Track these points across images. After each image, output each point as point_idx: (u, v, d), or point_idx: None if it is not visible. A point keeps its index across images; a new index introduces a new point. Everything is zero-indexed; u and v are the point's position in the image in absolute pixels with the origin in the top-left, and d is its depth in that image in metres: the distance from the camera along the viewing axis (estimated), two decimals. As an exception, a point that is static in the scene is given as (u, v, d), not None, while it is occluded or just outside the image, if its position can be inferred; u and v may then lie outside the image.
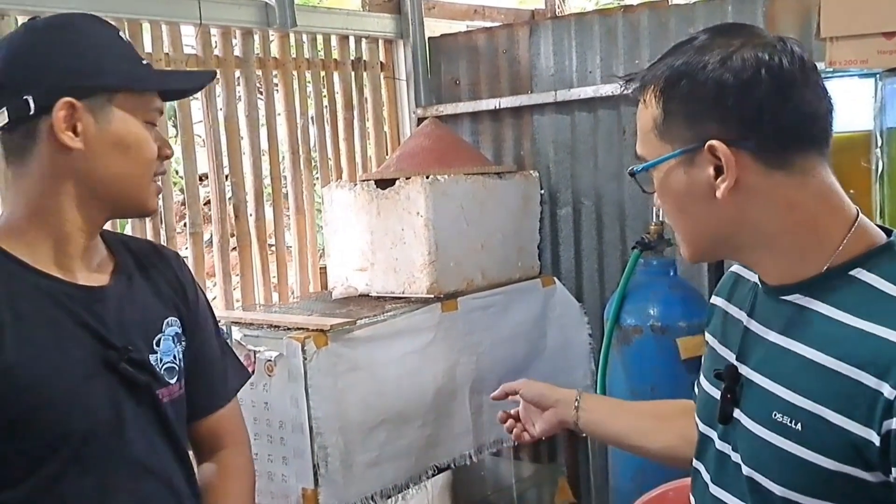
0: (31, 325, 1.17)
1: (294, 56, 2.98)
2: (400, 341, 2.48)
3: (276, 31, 2.86)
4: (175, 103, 2.74)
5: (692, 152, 1.02)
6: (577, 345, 2.96)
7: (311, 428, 2.24)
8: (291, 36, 2.95)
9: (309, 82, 3.02)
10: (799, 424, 0.97)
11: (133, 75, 1.25)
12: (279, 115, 2.95)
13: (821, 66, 2.32)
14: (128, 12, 2.45)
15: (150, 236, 2.50)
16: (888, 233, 1.05)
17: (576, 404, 1.49)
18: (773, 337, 1.04)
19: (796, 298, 1.03)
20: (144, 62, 1.29)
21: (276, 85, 2.94)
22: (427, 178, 2.57)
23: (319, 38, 3.06)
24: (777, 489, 1.00)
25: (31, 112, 1.17)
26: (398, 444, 2.42)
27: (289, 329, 2.31)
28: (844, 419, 0.93)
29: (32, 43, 1.22)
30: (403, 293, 2.62)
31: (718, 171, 1.00)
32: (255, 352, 2.33)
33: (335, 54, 3.11)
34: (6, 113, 1.18)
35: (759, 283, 1.10)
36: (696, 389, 1.25)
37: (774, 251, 1.03)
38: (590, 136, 3.02)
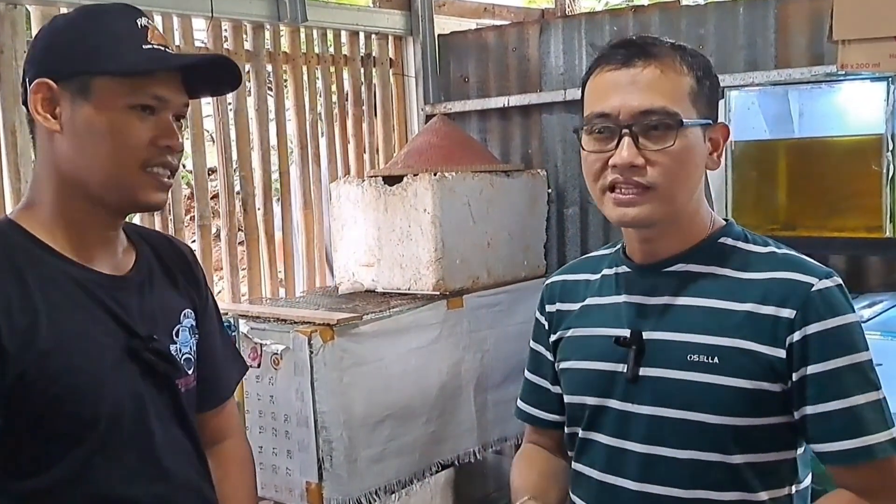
0: (62, 311, 1.17)
1: (304, 51, 2.99)
2: (406, 337, 2.48)
3: (286, 25, 2.87)
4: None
5: (708, 127, 1.24)
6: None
7: (316, 422, 2.25)
8: (302, 31, 2.96)
9: (318, 78, 3.02)
10: (716, 358, 1.19)
11: (117, 58, 1.18)
12: (288, 110, 2.95)
13: (832, 68, 2.32)
14: (140, 4, 2.43)
15: (157, 228, 2.50)
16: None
17: None
18: (667, 300, 1.25)
19: (680, 267, 1.26)
20: (151, 47, 1.21)
21: (286, 80, 2.95)
22: (434, 175, 2.57)
23: (330, 34, 3.06)
24: (694, 416, 1.19)
25: (24, 92, 1.20)
26: (402, 439, 2.42)
27: (295, 323, 2.31)
28: (757, 345, 1.18)
29: (51, 29, 1.24)
30: (409, 289, 2.62)
31: (714, 146, 1.25)
32: (261, 345, 2.33)
33: (345, 50, 3.11)
34: (21, 95, 1.22)
35: (627, 268, 1.31)
36: (551, 385, 1.40)
37: (685, 223, 1.26)
38: (598, 135, 3.01)
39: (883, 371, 2.11)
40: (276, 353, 2.30)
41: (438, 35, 3.35)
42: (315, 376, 2.24)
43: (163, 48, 1.23)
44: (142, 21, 1.23)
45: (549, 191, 3.05)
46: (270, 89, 2.96)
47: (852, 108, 2.15)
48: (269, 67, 2.92)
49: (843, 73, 2.22)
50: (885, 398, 1.19)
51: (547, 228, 3.04)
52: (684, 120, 1.19)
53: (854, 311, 1.21)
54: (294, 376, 2.27)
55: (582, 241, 3.10)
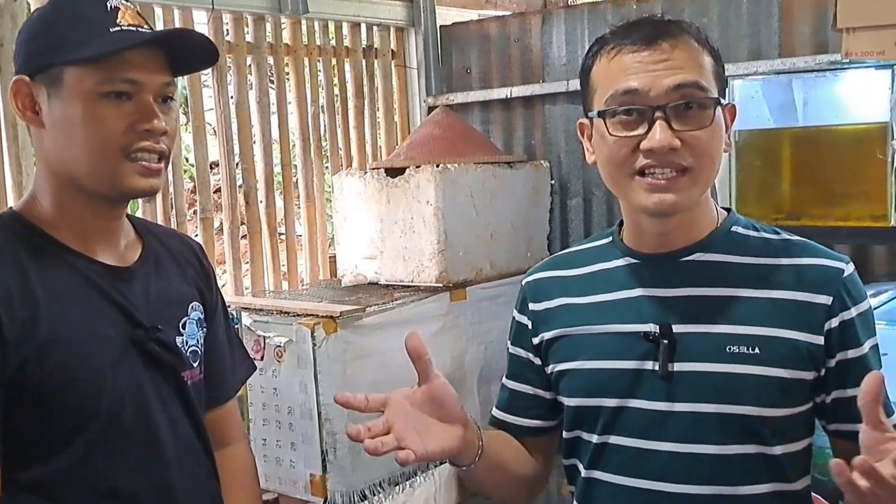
0: (63, 301, 1.17)
1: (306, 43, 2.97)
2: (409, 329, 2.43)
3: (287, 17, 2.86)
4: (186, 89, 2.74)
5: (724, 107, 1.20)
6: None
7: (319, 414, 2.24)
8: (303, 23, 2.94)
9: (320, 70, 3.01)
10: (756, 349, 1.16)
11: (83, 46, 1.14)
12: (290, 102, 2.95)
13: (836, 57, 2.31)
14: (140, -3, 2.44)
15: (160, 221, 2.50)
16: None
17: (475, 423, 1.24)
18: (690, 291, 1.21)
19: (698, 257, 1.22)
20: (120, 29, 1.16)
21: (288, 72, 2.94)
22: (437, 166, 2.57)
23: (331, 26, 3.05)
24: (737, 409, 1.16)
25: None
26: (406, 431, 2.42)
27: (298, 315, 2.31)
28: (797, 332, 1.16)
29: (28, 22, 1.24)
30: (412, 282, 2.62)
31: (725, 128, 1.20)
32: (264, 337, 2.33)
33: (347, 42, 3.10)
34: None
35: (634, 259, 1.25)
36: (559, 385, 1.30)
37: (699, 211, 1.22)
38: (601, 126, 3.00)
39: (888, 360, 2.12)
40: (280, 346, 2.30)
41: (440, 26, 3.34)
42: (318, 368, 2.24)
43: (135, 28, 1.18)
44: (112, 2, 1.18)
45: (553, 182, 3.04)
46: (272, 81, 2.95)
47: (857, 97, 2.13)
48: (271, 60, 2.90)
49: (848, 61, 2.20)
50: None
51: (550, 220, 3.03)
52: (719, 98, 1.16)
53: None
54: (297, 369, 2.27)
55: (585, 232, 3.08)
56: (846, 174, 2.16)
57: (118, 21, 1.17)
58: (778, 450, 1.18)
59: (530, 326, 1.33)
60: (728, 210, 1.29)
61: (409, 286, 2.62)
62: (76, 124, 1.16)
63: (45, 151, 1.21)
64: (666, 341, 1.18)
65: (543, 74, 3.13)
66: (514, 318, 1.37)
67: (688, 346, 1.18)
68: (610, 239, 1.30)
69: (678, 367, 1.18)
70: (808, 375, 1.18)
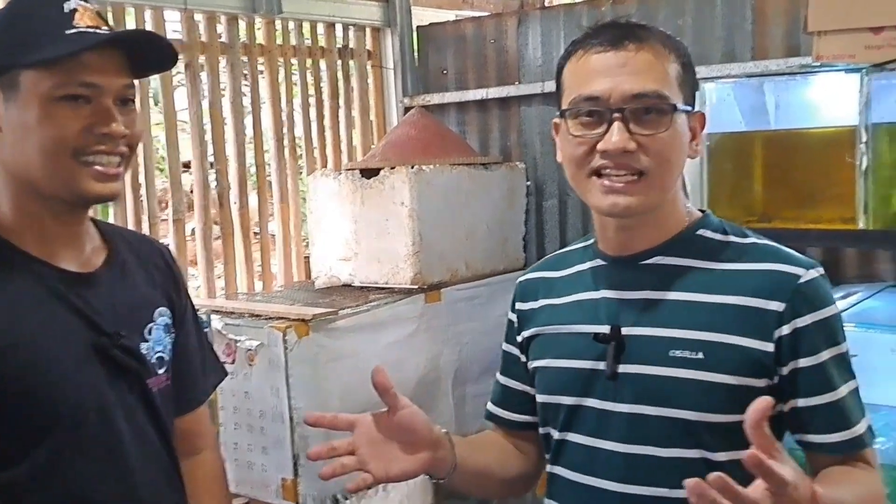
0: (22, 308, 1.15)
1: (280, 43, 2.96)
2: (383, 332, 2.47)
3: (261, 17, 2.84)
4: (159, 88, 2.72)
5: (690, 114, 1.21)
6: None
7: (291, 418, 2.23)
8: (278, 22, 2.93)
9: (295, 70, 2.99)
10: (700, 353, 1.15)
11: (37, 49, 1.12)
12: (264, 102, 2.93)
13: (808, 60, 2.32)
14: (111, -3, 2.42)
15: (131, 223, 2.47)
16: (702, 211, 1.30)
17: (448, 440, 1.24)
18: (647, 294, 1.21)
19: (658, 260, 1.22)
20: (76, 31, 1.13)
21: (262, 72, 2.92)
22: (412, 168, 2.56)
23: (306, 26, 3.03)
24: (679, 413, 1.15)
25: None
26: (379, 434, 2.41)
27: (270, 318, 2.29)
28: (744, 339, 1.15)
29: None
30: (387, 283, 2.61)
31: (692, 135, 1.22)
32: (235, 341, 2.31)
33: (322, 42, 3.09)
34: None
35: (602, 261, 1.27)
36: (523, 383, 1.36)
37: (665, 214, 1.22)
38: (577, 127, 3.00)
39: (859, 362, 2.12)
40: (251, 350, 2.28)
41: (417, 27, 3.33)
42: (290, 372, 2.22)
43: (93, 29, 1.15)
44: (69, 4, 1.16)
45: (528, 183, 3.03)
46: (247, 81, 2.93)
47: (827, 100, 2.14)
48: (245, 59, 2.88)
49: (819, 64, 2.21)
50: (858, 387, 1.20)
51: (526, 221, 3.03)
52: (677, 105, 1.17)
53: (835, 302, 1.19)
54: (269, 372, 2.25)
55: (561, 233, 3.09)
56: (817, 177, 2.17)
57: (75, 23, 1.14)
58: (722, 456, 1.15)
59: (517, 324, 1.38)
60: (704, 212, 1.29)
61: (383, 288, 2.61)
62: (31, 128, 1.14)
63: (4, 156, 1.18)
64: (613, 343, 1.20)
65: (519, 76, 3.12)
66: (507, 316, 1.42)
67: (635, 348, 1.20)
68: (593, 241, 1.32)
69: (624, 368, 1.19)
70: (760, 383, 1.15)
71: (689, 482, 0.89)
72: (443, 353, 2.63)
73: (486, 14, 3.51)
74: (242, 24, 2.83)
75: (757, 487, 0.91)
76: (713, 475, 0.89)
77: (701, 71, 2.59)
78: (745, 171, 2.30)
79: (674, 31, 2.85)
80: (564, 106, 1.21)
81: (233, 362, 2.32)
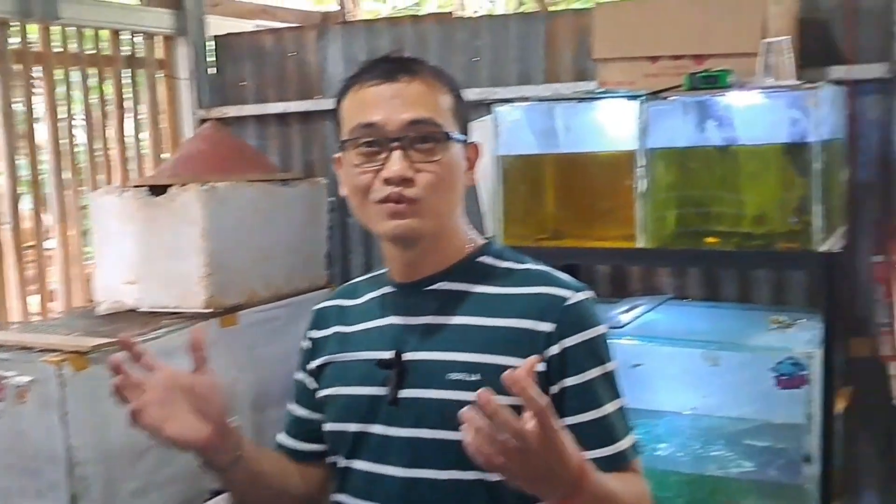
0: None
1: (60, 50, 2.74)
2: (174, 360, 2.24)
3: (35, 22, 2.61)
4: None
5: (466, 144, 1.26)
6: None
7: (69, 458, 2.05)
8: (57, 29, 2.71)
9: (81, 79, 2.78)
10: (476, 375, 1.18)
11: None
12: (39, 116, 2.70)
13: (593, 85, 2.42)
14: None
15: None
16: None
17: (239, 434, 1.24)
18: (429, 319, 1.24)
19: (440, 286, 1.26)
20: None
21: (37, 80, 2.69)
22: (203, 185, 2.44)
23: (91, 33, 2.83)
24: (455, 436, 1.08)
25: None
26: (168, 470, 2.26)
27: (43, 351, 2.10)
28: (518, 360, 1.11)
29: None
30: (178, 308, 2.47)
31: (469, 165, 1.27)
32: (4, 377, 2.10)
33: (107, 49, 2.89)
34: None
35: (391, 288, 1.30)
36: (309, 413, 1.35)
37: (446, 241, 1.26)
38: (379, 144, 2.99)
39: (641, 371, 2.23)
40: (22, 386, 2.08)
41: (214, 36, 3.20)
42: (67, 409, 2.04)
43: None
44: None
45: (331, 199, 2.98)
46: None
47: (610, 125, 2.24)
48: (19, 68, 2.65)
49: (603, 90, 2.31)
50: (625, 405, 1.24)
51: (330, 238, 2.97)
52: (450, 133, 1.21)
53: (602, 323, 1.24)
54: (42, 410, 2.06)
55: (366, 249, 3.06)
56: (602, 198, 2.26)
57: None
58: (496, 476, 1.12)
59: (309, 352, 1.38)
60: (488, 240, 1.34)
61: (174, 313, 2.46)
62: None
63: None
64: (396, 368, 1.22)
65: (322, 90, 3.07)
66: (301, 343, 1.41)
67: (415, 373, 1.22)
68: (387, 269, 1.34)
69: (405, 393, 1.22)
70: None
71: (464, 411, 0.95)
72: (240, 380, 2.51)
73: (286, 26, 3.42)
74: (16, 30, 2.60)
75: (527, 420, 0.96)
76: (480, 391, 0.94)
77: (498, 92, 2.69)
78: (537, 192, 2.36)
79: (472, 52, 2.94)
80: (344, 136, 1.24)
81: (2, 401, 2.11)
